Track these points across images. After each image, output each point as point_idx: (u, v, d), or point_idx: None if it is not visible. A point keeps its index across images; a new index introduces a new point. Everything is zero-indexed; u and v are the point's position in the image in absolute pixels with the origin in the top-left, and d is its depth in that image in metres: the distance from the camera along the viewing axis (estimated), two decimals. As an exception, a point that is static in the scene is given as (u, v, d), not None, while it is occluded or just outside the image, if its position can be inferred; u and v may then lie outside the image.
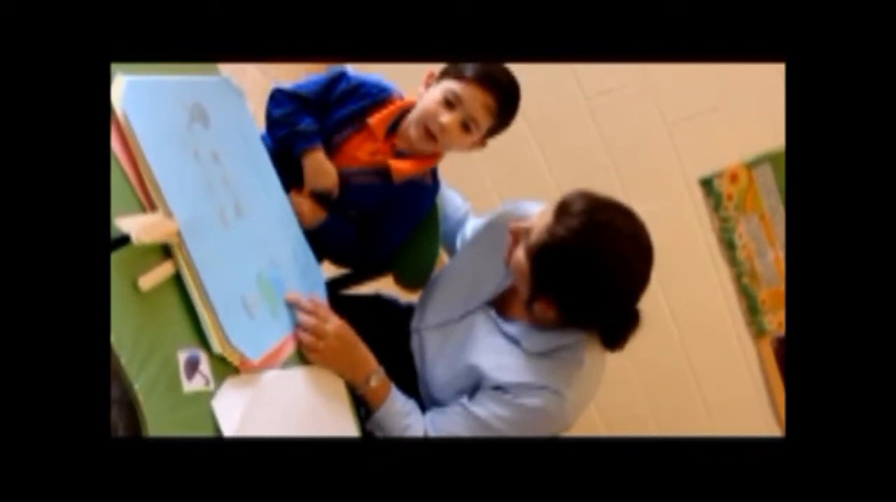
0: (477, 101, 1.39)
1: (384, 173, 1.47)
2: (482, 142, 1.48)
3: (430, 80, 1.45)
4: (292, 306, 1.24)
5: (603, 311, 1.28)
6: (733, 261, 2.63)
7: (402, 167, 1.47)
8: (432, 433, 1.34)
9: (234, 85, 1.31)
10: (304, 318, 1.24)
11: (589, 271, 1.22)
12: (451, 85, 1.40)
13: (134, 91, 1.01)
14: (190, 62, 1.21)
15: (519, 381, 1.30)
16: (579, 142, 2.64)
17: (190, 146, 1.11)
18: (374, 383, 1.32)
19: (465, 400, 1.35)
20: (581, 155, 2.66)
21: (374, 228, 1.52)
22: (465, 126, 1.41)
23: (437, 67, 1.46)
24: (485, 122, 1.42)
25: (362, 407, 1.35)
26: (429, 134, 1.42)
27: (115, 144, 0.98)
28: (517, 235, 1.29)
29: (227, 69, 1.36)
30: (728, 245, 2.61)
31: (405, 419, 1.34)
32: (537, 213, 1.30)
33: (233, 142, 1.25)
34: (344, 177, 1.46)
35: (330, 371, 1.28)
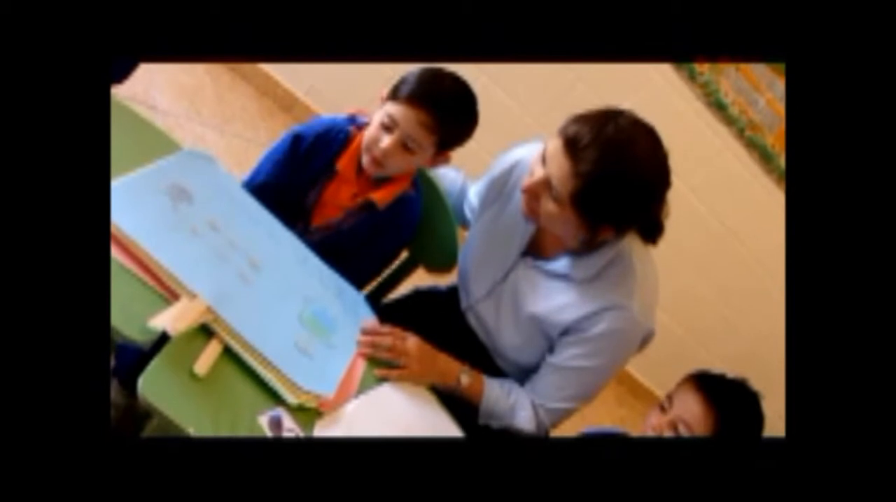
0: (411, 120, 1.35)
1: (369, 205, 1.47)
2: (444, 157, 1.45)
3: (383, 102, 1.42)
4: (356, 329, 1.27)
5: (652, 207, 1.30)
6: (730, 120, 2.60)
7: (384, 195, 1.46)
8: (538, 400, 1.37)
9: (200, 152, 1.32)
10: (384, 341, 1.26)
11: (631, 185, 1.23)
12: (388, 107, 1.38)
13: (113, 198, 1.01)
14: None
15: (579, 316, 1.31)
16: (540, 72, 2.63)
17: (185, 226, 1.12)
18: (465, 381, 1.34)
19: (548, 357, 1.37)
20: (547, 83, 2.64)
21: (370, 244, 1.52)
22: (406, 146, 1.38)
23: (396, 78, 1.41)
24: (426, 139, 1.38)
25: (468, 406, 1.37)
26: (374, 160, 1.40)
27: (118, 253, 1.00)
28: (535, 190, 1.28)
29: (186, 139, 1.37)
30: (718, 106, 2.58)
31: (509, 398, 1.37)
32: (534, 161, 1.28)
33: (222, 205, 1.25)
34: (334, 227, 1.46)
35: (422, 385, 1.30)
